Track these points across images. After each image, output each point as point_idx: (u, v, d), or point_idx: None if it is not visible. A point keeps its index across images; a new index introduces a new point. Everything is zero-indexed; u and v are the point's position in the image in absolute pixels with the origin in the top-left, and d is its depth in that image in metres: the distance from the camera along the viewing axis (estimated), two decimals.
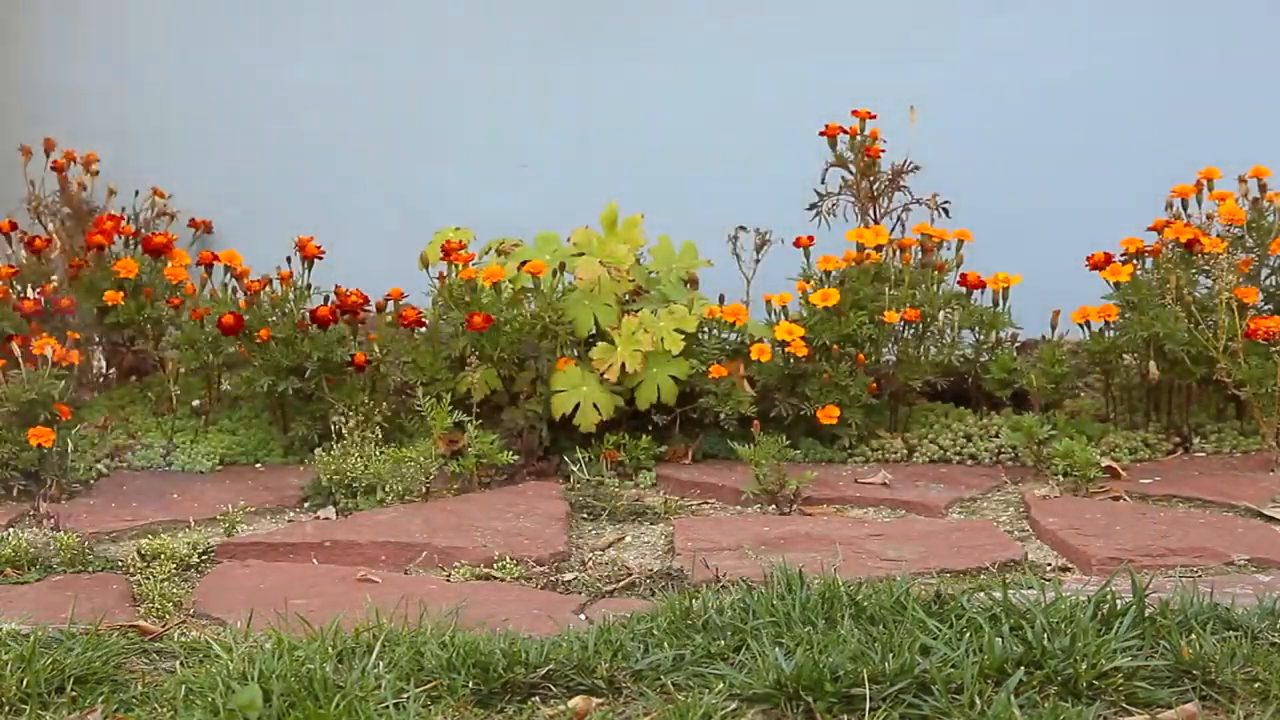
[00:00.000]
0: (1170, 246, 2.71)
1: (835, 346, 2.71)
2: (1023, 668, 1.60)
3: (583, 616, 1.94)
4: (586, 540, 2.35)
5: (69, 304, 2.90)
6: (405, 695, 1.59)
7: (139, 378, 3.14)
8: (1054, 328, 2.82)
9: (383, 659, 1.67)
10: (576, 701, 1.61)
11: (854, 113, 2.90)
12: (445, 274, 2.82)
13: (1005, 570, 2.10)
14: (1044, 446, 2.59)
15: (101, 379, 3.16)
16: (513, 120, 3.48)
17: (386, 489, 2.52)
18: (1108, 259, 2.75)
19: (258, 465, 2.81)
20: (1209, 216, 2.81)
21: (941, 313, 2.78)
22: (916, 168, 2.92)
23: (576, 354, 2.73)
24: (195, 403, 2.95)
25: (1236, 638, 1.70)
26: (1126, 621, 1.70)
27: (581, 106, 3.39)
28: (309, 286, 2.91)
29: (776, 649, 1.64)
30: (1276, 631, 1.72)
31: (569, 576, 2.16)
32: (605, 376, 2.69)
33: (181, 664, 1.76)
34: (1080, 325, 2.76)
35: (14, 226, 3.20)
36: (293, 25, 3.53)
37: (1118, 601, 1.74)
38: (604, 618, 1.80)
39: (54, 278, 3.08)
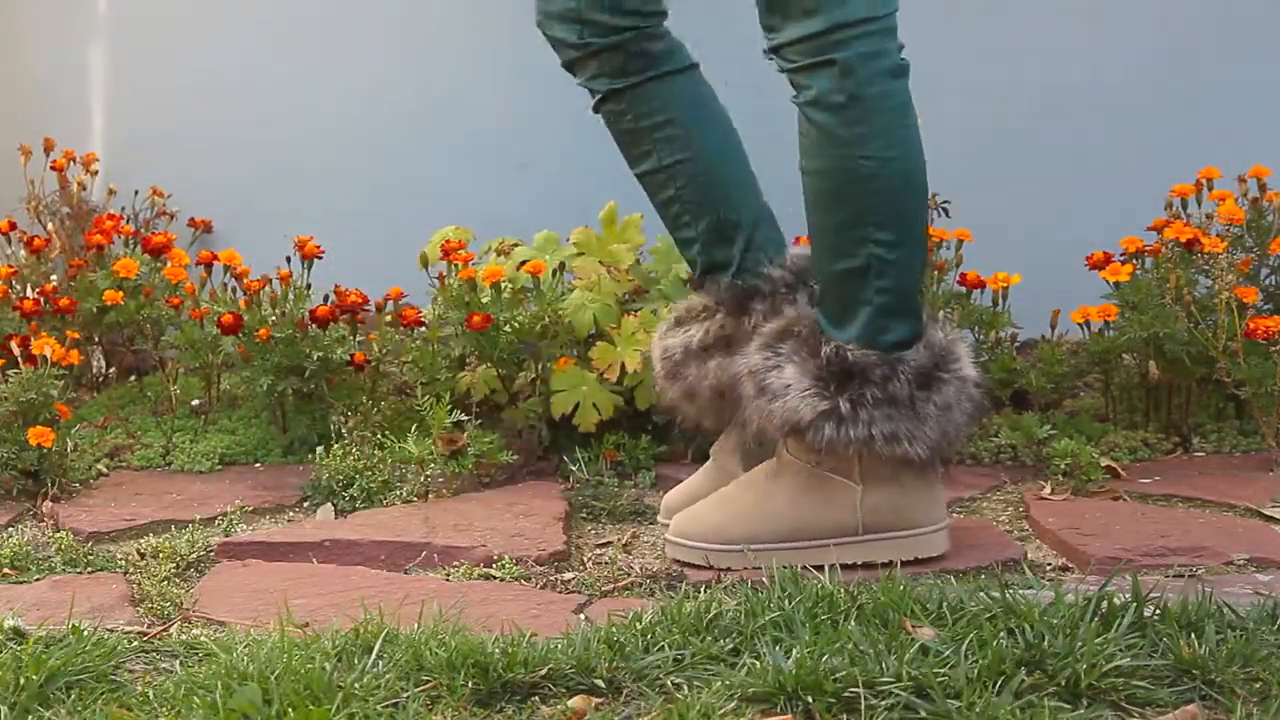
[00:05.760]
0: (1170, 246, 2.72)
1: None
2: (1022, 668, 1.60)
3: (582, 616, 1.94)
4: (586, 540, 2.35)
5: (69, 304, 2.90)
6: (405, 695, 1.60)
7: (139, 378, 3.14)
8: (1054, 328, 2.82)
9: (382, 659, 1.67)
10: (576, 701, 1.61)
11: None
12: (445, 274, 2.82)
13: (1005, 570, 2.10)
14: (1044, 446, 2.59)
15: (101, 379, 3.16)
16: (513, 119, 3.48)
17: (386, 488, 2.52)
18: (1107, 259, 2.75)
19: (257, 465, 2.81)
20: (1209, 216, 2.80)
21: (941, 312, 2.78)
22: None
23: (576, 354, 2.73)
24: (195, 402, 2.95)
25: (1236, 638, 1.70)
26: (1126, 621, 1.70)
27: (581, 105, 3.38)
28: (309, 286, 2.91)
29: (776, 650, 1.65)
30: (1276, 631, 1.72)
31: (569, 576, 2.16)
32: (605, 376, 2.68)
33: (181, 664, 1.76)
34: (1080, 325, 2.76)
35: (14, 226, 3.20)
36: (293, 25, 3.53)
37: (1117, 601, 1.74)
38: (604, 618, 1.80)
39: (54, 278, 3.09)
